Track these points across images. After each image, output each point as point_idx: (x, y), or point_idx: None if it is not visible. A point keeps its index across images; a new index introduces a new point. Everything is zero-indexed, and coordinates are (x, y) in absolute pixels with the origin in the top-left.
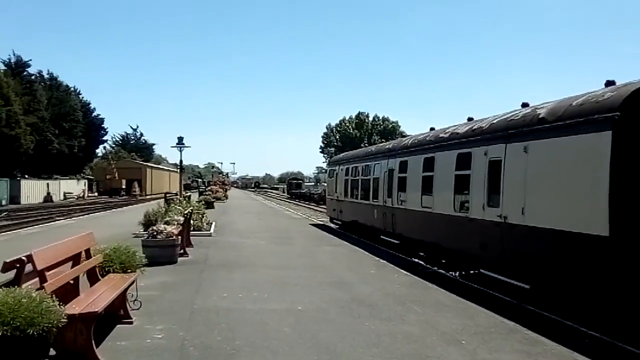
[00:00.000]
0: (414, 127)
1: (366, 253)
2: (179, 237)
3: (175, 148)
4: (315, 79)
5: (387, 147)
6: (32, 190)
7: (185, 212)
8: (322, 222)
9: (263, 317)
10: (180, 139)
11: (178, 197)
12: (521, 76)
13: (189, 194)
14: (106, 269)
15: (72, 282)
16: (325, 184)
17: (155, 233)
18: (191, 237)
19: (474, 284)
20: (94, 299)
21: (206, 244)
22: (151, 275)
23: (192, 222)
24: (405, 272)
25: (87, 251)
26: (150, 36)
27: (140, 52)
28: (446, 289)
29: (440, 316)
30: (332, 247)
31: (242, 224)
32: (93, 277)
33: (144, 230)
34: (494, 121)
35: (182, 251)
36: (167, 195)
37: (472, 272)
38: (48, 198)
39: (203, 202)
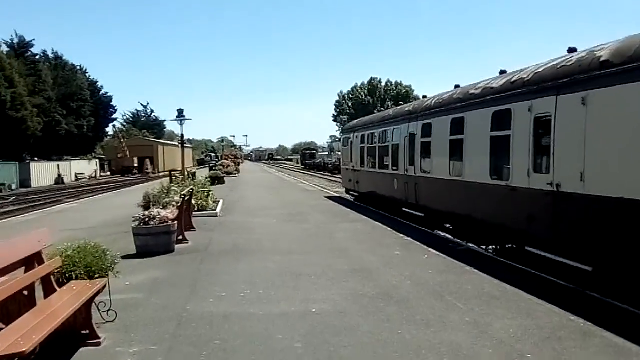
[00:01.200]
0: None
1: (388, 229)
2: (176, 221)
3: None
4: (326, 47)
5: (407, 109)
6: (43, 173)
7: (182, 192)
8: (337, 194)
9: (268, 327)
10: (181, 112)
11: (188, 170)
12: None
13: (194, 170)
14: (67, 275)
15: (25, 293)
16: (340, 153)
17: (147, 219)
18: (195, 219)
19: (516, 262)
20: (33, 326)
21: (211, 226)
22: (141, 269)
23: (195, 201)
24: (435, 252)
25: (38, 255)
26: (158, 11)
27: (149, 28)
28: (488, 272)
29: (491, 314)
30: (349, 224)
31: (253, 200)
32: (48, 286)
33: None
34: (539, 70)
35: (180, 237)
36: (173, 172)
37: (507, 246)
38: (59, 180)
39: (209, 179)
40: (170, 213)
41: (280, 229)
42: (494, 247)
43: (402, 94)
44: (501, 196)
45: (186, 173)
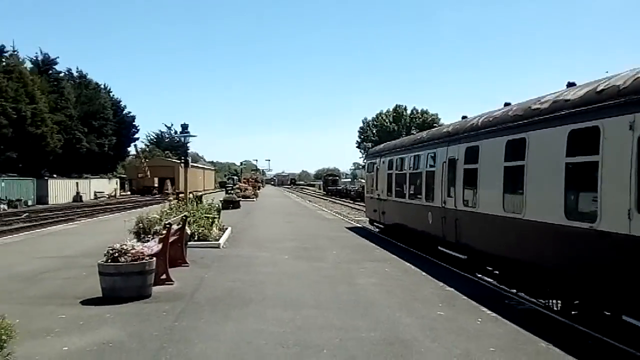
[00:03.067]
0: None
1: (422, 274)
2: (154, 258)
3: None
4: (351, 74)
5: (445, 130)
6: (61, 190)
7: (169, 221)
8: (359, 225)
9: None
10: (185, 127)
11: (190, 196)
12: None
13: (200, 193)
14: None
15: None
16: (363, 181)
17: (116, 254)
18: (192, 250)
19: (604, 334)
20: None
21: (208, 261)
22: (93, 325)
23: (194, 229)
24: (490, 313)
25: None
26: (188, 38)
27: (180, 51)
28: (574, 353)
29: None
30: (374, 264)
31: (265, 228)
32: None
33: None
34: None
35: (163, 277)
36: (180, 194)
37: (576, 302)
38: (77, 198)
39: (219, 203)
40: (148, 247)
41: (290, 268)
42: (561, 303)
43: (428, 122)
44: (582, 243)
45: (192, 196)
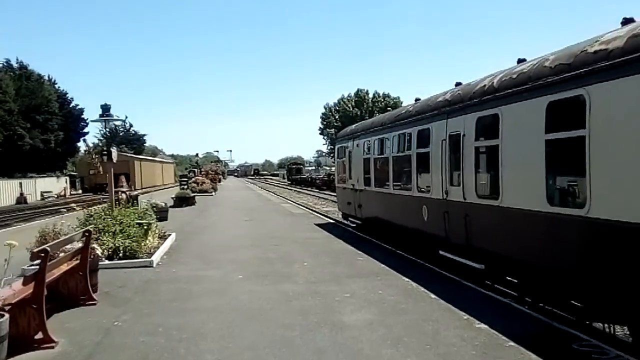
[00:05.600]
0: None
1: (433, 297)
2: (19, 308)
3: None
4: (311, 60)
5: (442, 98)
6: (2, 192)
7: (42, 247)
8: (330, 219)
9: None
10: (106, 109)
11: (123, 196)
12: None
13: (135, 192)
14: None
15: None
16: (328, 168)
17: None
18: (113, 272)
19: None
20: None
21: (129, 292)
22: None
23: (115, 244)
24: None
25: None
26: (139, 25)
27: (130, 40)
28: None
29: None
30: (362, 282)
31: (220, 231)
32: None
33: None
34: None
35: (40, 336)
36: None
37: None
38: (21, 199)
39: (156, 206)
40: (12, 291)
41: (246, 298)
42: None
43: (391, 106)
44: None
45: (124, 195)
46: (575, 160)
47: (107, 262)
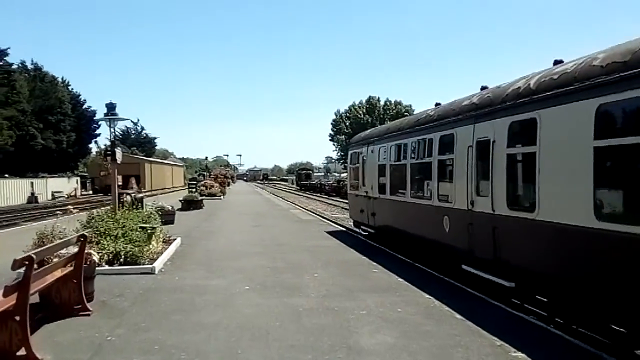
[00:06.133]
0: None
1: (458, 317)
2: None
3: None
4: (322, 68)
5: (468, 102)
6: (13, 191)
7: (26, 254)
8: (341, 226)
9: None
10: (111, 107)
11: (128, 198)
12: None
13: (139, 195)
14: None
15: None
16: (337, 174)
17: None
18: (111, 278)
19: None
20: None
21: (127, 302)
22: None
23: (115, 249)
24: None
25: None
26: (152, 30)
27: (143, 44)
28: None
29: None
30: (379, 298)
31: (226, 236)
32: None
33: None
34: None
35: (21, 352)
36: (126, 194)
37: None
38: (32, 199)
39: (163, 209)
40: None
41: (252, 313)
42: None
43: (402, 113)
44: None
45: (129, 198)
46: (628, 170)
47: (106, 267)
